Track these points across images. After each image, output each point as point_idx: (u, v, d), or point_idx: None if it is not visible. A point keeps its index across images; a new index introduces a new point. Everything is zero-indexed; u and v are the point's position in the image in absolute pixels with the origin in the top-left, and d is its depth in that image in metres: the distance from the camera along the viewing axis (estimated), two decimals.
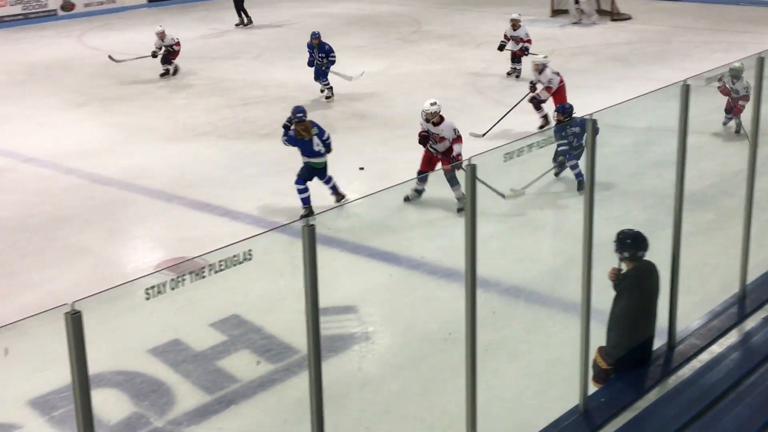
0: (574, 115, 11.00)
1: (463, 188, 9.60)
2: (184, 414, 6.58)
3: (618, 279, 5.96)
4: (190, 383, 7.02)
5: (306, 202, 10.37)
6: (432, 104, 10.32)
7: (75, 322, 3.33)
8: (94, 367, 3.42)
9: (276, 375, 7.05)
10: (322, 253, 4.10)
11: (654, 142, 12.20)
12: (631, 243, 5.95)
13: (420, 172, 10.49)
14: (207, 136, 13.88)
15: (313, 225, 3.99)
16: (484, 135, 12.97)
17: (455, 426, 5.26)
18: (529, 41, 16.96)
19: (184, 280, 3.57)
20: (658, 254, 6.10)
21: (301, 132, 10.20)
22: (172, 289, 3.54)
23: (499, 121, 13.21)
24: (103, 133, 14.30)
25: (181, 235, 10.00)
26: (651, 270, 6.00)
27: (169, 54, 17.75)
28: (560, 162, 10.80)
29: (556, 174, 10.98)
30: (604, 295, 5.92)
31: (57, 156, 12.96)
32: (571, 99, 14.99)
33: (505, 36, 17.18)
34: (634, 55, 19.07)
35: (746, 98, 12.34)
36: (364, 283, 8.92)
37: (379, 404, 6.71)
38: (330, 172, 10.50)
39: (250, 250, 3.83)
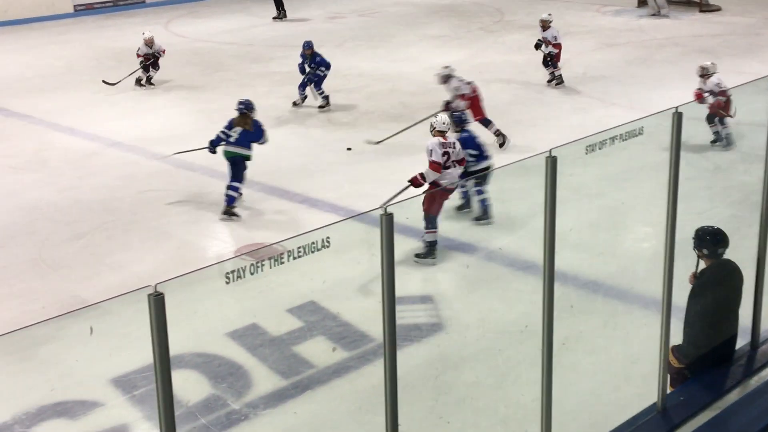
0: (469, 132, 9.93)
1: (434, 235, 8.88)
2: (261, 397, 6.67)
3: (696, 277, 5.84)
4: (267, 367, 7.11)
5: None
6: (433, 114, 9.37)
7: (157, 303, 3.39)
8: (174, 348, 3.48)
9: (351, 362, 7.10)
10: (400, 242, 4.11)
11: (742, 137, 11.90)
12: (710, 240, 5.81)
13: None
14: (288, 124, 14.02)
15: (391, 214, 4.00)
16: (378, 143, 12.45)
17: (530, 419, 5.23)
18: (555, 45, 15.61)
19: (263, 265, 3.61)
20: (743, 252, 5.95)
21: (237, 121, 10.49)
22: (252, 274, 3.58)
23: (399, 132, 12.62)
24: (186, 120, 14.57)
25: (261, 221, 10.13)
26: (732, 268, 5.85)
27: (155, 59, 16.76)
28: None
29: (460, 208, 9.93)
30: (685, 293, 5.81)
31: (142, 141, 13.24)
32: (657, 91, 14.79)
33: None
34: (723, 47, 18.59)
35: (723, 93, 11.70)
36: (441, 273, 8.91)
37: (454, 395, 6.70)
38: (406, 162, 10.46)
39: (328, 238, 3.85)
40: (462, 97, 12.33)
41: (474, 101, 12.35)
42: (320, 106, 14.75)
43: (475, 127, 10.82)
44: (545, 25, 15.78)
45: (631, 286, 8.18)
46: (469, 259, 9.08)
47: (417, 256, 8.87)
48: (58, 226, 10.19)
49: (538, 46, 15.94)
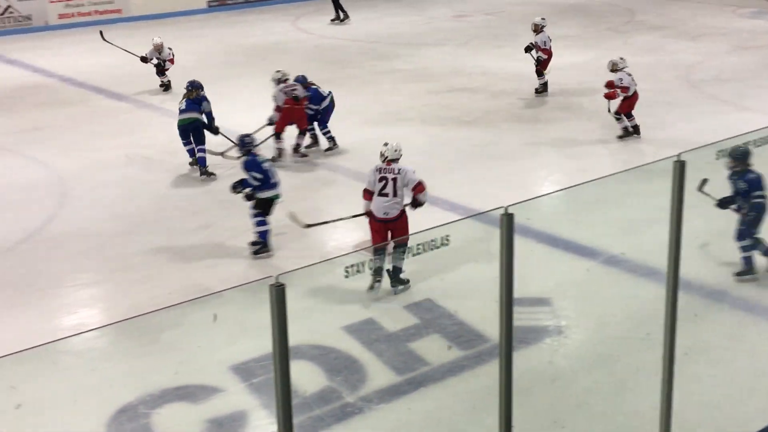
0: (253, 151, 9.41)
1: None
2: (375, 392, 6.72)
3: None
4: (382, 363, 7.15)
5: (190, 154, 12.13)
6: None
7: (279, 294, 3.45)
8: (292, 339, 3.54)
9: (466, 362, 7.08)
10: (519, 243, 4.08)
11: None
12: None
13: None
14: (410, 122, 14.07)
15: (512, 214, 3.98)
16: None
17: (648, 428, 5.11)
18: (544, 51, 14.83)
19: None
20: None
21: (184, 95, 12.14)
22: (370, 269, 3.61)
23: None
24: None
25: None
26: None
27: (163, 66, 16.63)
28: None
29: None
30: None
31: (267, 134, 13.47)
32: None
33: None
34: None
35: (626, 89, 12.40)
36: (560, 276, 8.79)
37: (570, 399, 6.61)
38: (529, 164, 10.33)
39: (447, 236, 3.86)
40: (277, 108, 12.27)
41: (295, 112, 12.29)
42: (327, 148, 12.87)
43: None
44: (537, 29, 15.03)
45: (760, 297, 7.89)
46: (590, 263, 8.92)
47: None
48: (186, 216, 10.52)
49: (528, 50, 15.18)
